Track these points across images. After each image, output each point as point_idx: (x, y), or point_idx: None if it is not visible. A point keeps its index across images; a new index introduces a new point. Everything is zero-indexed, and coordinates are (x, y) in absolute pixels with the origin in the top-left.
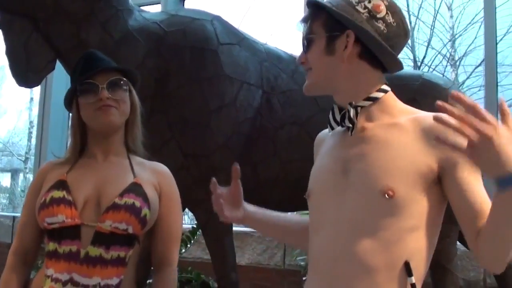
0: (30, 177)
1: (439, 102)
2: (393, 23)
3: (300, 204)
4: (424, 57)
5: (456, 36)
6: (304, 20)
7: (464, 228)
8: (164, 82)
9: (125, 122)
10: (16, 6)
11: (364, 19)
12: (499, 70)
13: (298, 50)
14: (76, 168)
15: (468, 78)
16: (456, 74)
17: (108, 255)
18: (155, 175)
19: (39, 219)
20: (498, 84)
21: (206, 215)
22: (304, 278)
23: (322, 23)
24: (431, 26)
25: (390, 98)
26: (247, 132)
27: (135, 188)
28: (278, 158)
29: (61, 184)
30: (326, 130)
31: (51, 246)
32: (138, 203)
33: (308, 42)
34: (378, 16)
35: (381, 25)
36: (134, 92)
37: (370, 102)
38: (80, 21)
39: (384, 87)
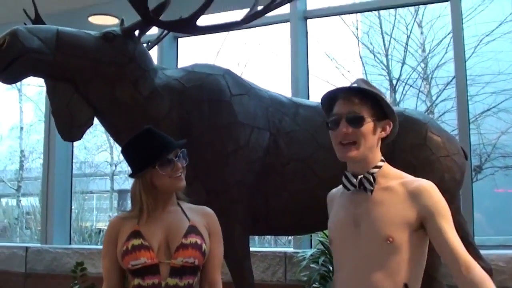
0: (24, 203)
1: None
2: None
3: (305, 230)
4: (400, 75)
5: (428, 54)
6: (349, 100)
7: (443, 260)
8: (188, 130)
9: None
10: (60, 74)
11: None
12: (471, 83)
13: (272, 77)
14: (143, 219)
15: (442, 91)
16: (429, 88)
17: (181, 283)
18: (204, 218)
19: (123, 263)
20: (471, 97)
21: (227, 242)
22: None
23: (371, 107)
24: (405, 44)
25: (386, 166)
26: (258, 169)
27: (194, 230)
28: (286, 190)
29: (137, 234)
30: (335, 190)
31: (135, 281)
32: (199, 241)
33: (358, 119)
34: None
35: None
36: None
37: (377, 170)
38: (114, 81)
39: (382, 157)
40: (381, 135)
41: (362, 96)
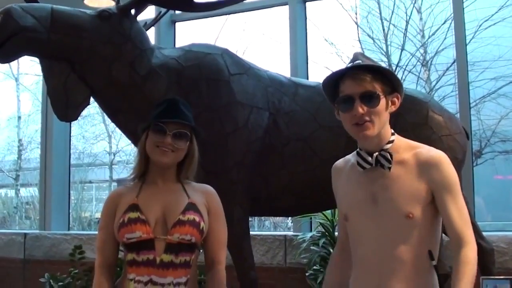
0: (23, 193)
1: None
2: None
3: (305, 210)
4: (399, 60)
5: (427, 39)
6: (363, 78)
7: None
8: None
9: (181, 163)
10: (55, 53)
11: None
12: (470, 68)
13: (271, 63)
14: (142, 193)
15: (442, 76)
16: (429, 74)
17: (177, 260)
18: (204, 196)
19: (119, 235)
20: (470, 82)
21: (227, 223)
22: (307, 274)
23: (381, 83)
24: (404, 30)
25: (398, 138)
26: (258, 149)
27: (192, 207)
28: (286, 170)
29: (135, 207)
30: (341, 162)
31: (129, 256)
32: (197, 218)
33: (374, 97)
34: None
35: None
36: (194, 143)
37: (390, 145)
38: (111, 62)
39: (392, 131)
40: (391, 109)
41: (373, 72)
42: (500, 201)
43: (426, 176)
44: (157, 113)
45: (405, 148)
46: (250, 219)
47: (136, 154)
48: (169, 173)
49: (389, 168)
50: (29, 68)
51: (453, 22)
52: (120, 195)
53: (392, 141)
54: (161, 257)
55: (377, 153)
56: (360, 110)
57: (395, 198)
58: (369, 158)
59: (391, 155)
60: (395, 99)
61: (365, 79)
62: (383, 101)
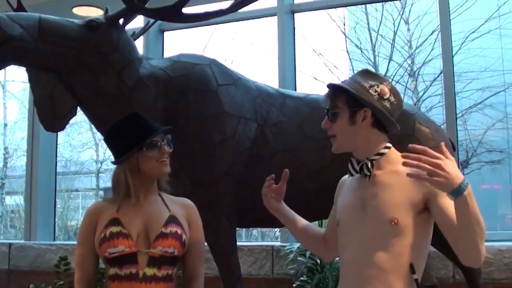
0: (8, 201)
1: (404, 155)
2: (394, 101)
3: None
4: (387, 71)
5: (415, 50)
6: (328, 96)
7: (447, 238)
8: (173, 120)
9: None
10: (43, 63)
11: (376, 100)
12: (457, 79)
13: (259, 72)
14: (123, 207)
15: (429, 87)
16: (416, 84)
17: (160, 273)
18: (184, 209)
19: (100, 250)
20: (457, 93)
21: (214, 235)
22: (294, 285)
23: (345, 100)
24: (392, 41)
25: (392, 152)
26: (246, 160)
27: (174, 220)
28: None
29: (116, 221)
30: (346, 176)
31: (111, 271)
32: (179, 231)
33: (333, 114)
34: (385, 97)
35: (386, 103)
36: None
37: (379, 156)
38: (98, 71)
39: (388, 144)
40: (363, 123)
41: (338, 90)
42: (487, 211)
43: (423, 189)
44: (139, 133)
45: (399, 161)
46: (237, 229)
47: (116, 181)
48: (152, 186)
49: (369, 176)
50: (16, 75)
51: (440, 33)
52: (99, 210)
53: (382, 154)
54: (144, 270)
55: (363, 162)
56: (324, 124)
57: (382, 204)
58: (356, 166)
59: (372, 165)
60: (365, 114)
61: (331, 97)
62: (343, 117)
